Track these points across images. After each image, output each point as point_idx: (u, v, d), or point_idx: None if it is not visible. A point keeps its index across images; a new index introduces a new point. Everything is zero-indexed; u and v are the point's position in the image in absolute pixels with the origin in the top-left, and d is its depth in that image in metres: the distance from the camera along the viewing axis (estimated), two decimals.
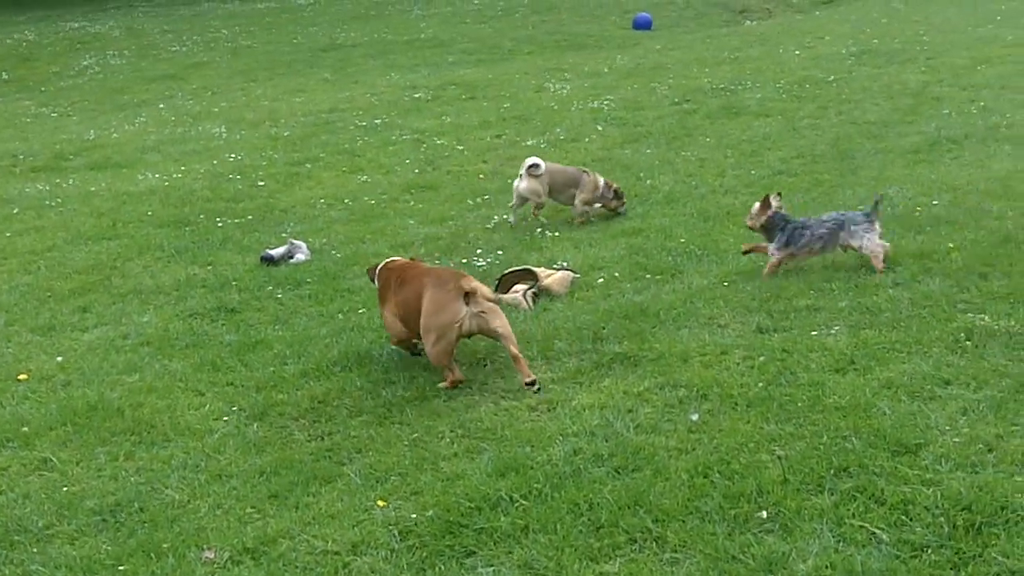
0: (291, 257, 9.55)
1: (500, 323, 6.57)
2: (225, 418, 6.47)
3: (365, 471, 5.69)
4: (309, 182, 12.48)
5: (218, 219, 10.94)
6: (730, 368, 6.45)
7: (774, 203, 8.03)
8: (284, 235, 10.18)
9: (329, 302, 8.46)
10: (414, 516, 5.18)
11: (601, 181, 10.08)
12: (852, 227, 7.82)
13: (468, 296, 6.46)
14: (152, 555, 4.99)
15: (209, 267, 9.47)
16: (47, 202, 12.16)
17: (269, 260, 9.43)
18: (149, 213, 11.35)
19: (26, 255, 10.19)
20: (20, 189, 12.94)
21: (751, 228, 8.20)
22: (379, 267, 7.32)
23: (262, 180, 12.58)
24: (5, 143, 16.49)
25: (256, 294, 8.71)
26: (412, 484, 5.52)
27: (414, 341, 7.03)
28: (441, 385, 6.67)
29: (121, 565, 4.91)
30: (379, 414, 6.37)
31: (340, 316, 8.10)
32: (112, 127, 17.14)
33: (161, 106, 19.42)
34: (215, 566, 4.90)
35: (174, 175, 13.07)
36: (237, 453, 6.02)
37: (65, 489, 5.75)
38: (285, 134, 15.28)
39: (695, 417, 5.88)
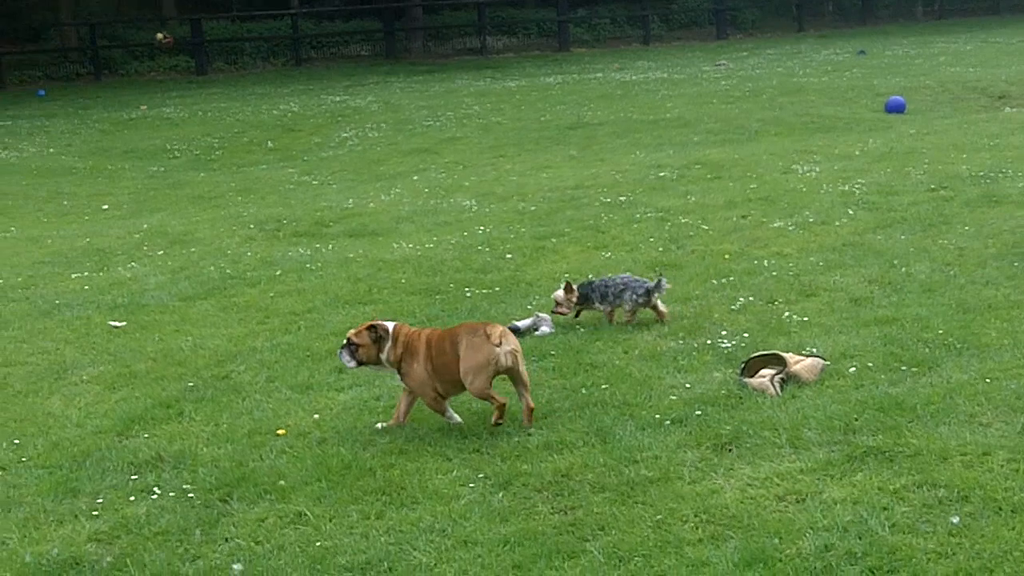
0: (536, 329, 9.70)
1: (524, 367, 7.63)
2: (471, 484, 6.58)
3: (608, 549, 5.67)
4: (554, 256, 12.66)
5: (466, 289, 11.22)
6: (993, 470, 6.14)
7: (574, 286, 9.69)
8: (529, 307, 10.33)
9: (572, 376, 8.52)
10: None
11: None
12: (633, 294, 9.53)
13: (501, 336, 7.42)
14: None
15: None
16: (308, 266, 12.74)
17: (515, 332, 9.56)
18: (403, 281, 11.74)
19: (288, 315, 10.70)
20: (283, 252, 13.62)
21: (566, 314, 9.75)
22: (392, 329, 7.72)
23: (509, 253, 12.84)
24: (270, 208, 17.43)
25: None
26: (656, 567, 5.47)
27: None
28: (493, 420, 7.41)
29: None
30: (622, 492, 6.36)
31: (583, 391, 8.14)
32: (369, 197, 17.87)
33: (415, 178, 20.14)
34: None
35: (427, 245, 13.50)
36: (482, 520, 6.10)
37: (318, 544, 5.96)
38: (532, 209, 15.57)
39: (955, 520, 5.61)
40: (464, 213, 15.67)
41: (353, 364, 7.73)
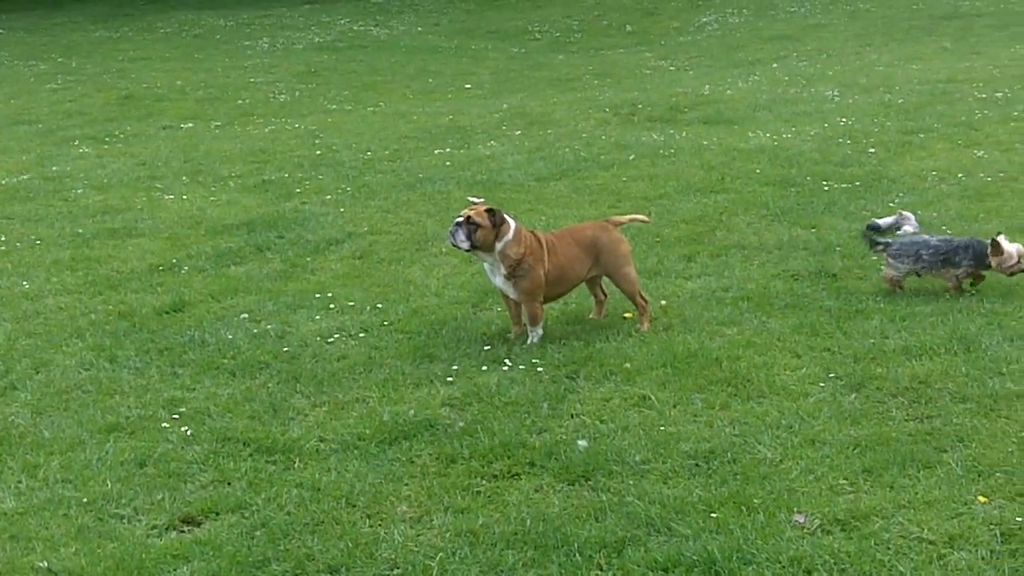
0: (898, 229, 9.19)
1: None
2: (821, 384, 6.38)
3: (967, 462, 5.37)
4: (921, 153, 11.97)
5: (824, 183, 10.80)
6: None
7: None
8: (892, 205, 9.84)
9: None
10: (1019, 519, 4.83)
11: None
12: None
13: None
14: (743, 508, 5.03)
15: (813, 230, 9.37)
16: (661, 151, 12.64)
17: (875, 229, 9.16)
18: (757, 171, 11.44)
19: (639, 200, 10.66)
20: (637, 137, 13.57)
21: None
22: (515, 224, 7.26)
23: (872, 147, 12.25)
24: (626, 92, 17.40)
25: (859, 262, 8.50)
26: (1018, 485, 5.13)
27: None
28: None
29: (713, 512, 5.00)
30: (985, 404, 6.00)
31: (947, 296, 7.71)
32: (726, 84, 17.49)
33: (775, 66, 19.54)
34: (804, 531, 4.85)
35: (784, 135, 13.08)
36: (831, 421, 5.92)
37: (662, 428, 5.96)
38: (899, 102, 14.76)
39: None
40: (825, 104, 15.07)
41: (467, 245, 7.14)
